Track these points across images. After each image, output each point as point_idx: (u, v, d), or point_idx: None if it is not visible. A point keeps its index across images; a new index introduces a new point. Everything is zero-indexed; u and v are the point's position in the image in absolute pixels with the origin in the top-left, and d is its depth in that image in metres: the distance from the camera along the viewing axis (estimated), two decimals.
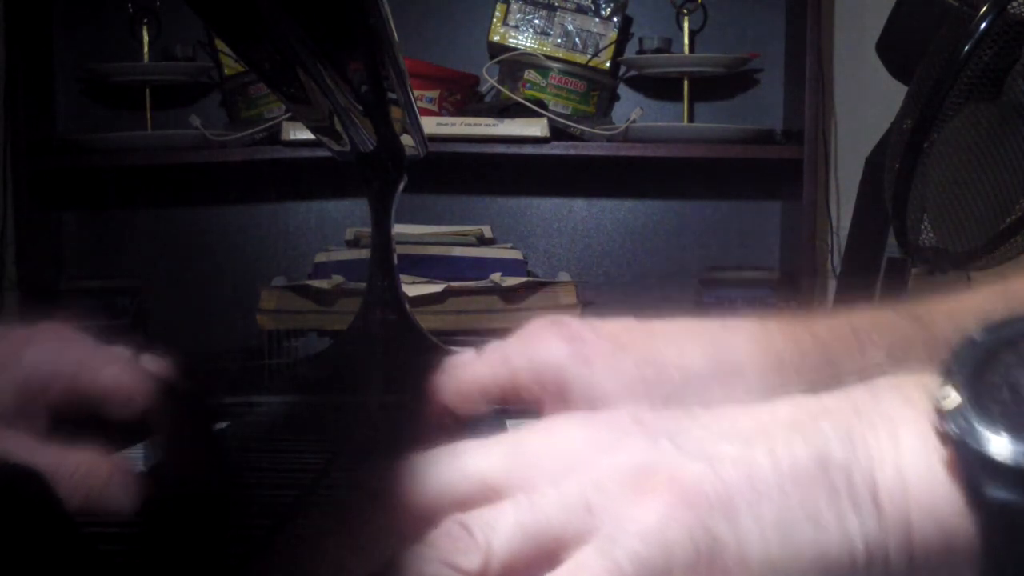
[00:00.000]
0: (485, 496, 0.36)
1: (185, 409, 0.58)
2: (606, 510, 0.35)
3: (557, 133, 2.05)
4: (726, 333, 0.56)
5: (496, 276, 1.86)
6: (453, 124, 2.02)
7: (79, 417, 0.58)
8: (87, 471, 0.55)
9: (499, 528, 0.35)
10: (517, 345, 0.56)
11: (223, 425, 0.93)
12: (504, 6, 2.17)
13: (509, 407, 0.58)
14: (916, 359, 0.56)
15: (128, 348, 0.61)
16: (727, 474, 0.35)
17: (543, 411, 0.56)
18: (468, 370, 0.57)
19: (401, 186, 1.02)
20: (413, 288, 1.78)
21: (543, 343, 0.56)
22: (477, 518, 0.35)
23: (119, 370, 0.58)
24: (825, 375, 0.55)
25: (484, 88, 2.20)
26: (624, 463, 0.35)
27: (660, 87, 2.26)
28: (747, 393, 0.54)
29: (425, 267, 1.88)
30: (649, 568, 0.34)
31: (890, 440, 0.36)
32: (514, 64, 2.15)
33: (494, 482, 0.37)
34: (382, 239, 1.01)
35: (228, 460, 0.64)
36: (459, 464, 0.38)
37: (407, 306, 1.02)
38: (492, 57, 2.16)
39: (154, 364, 0.60)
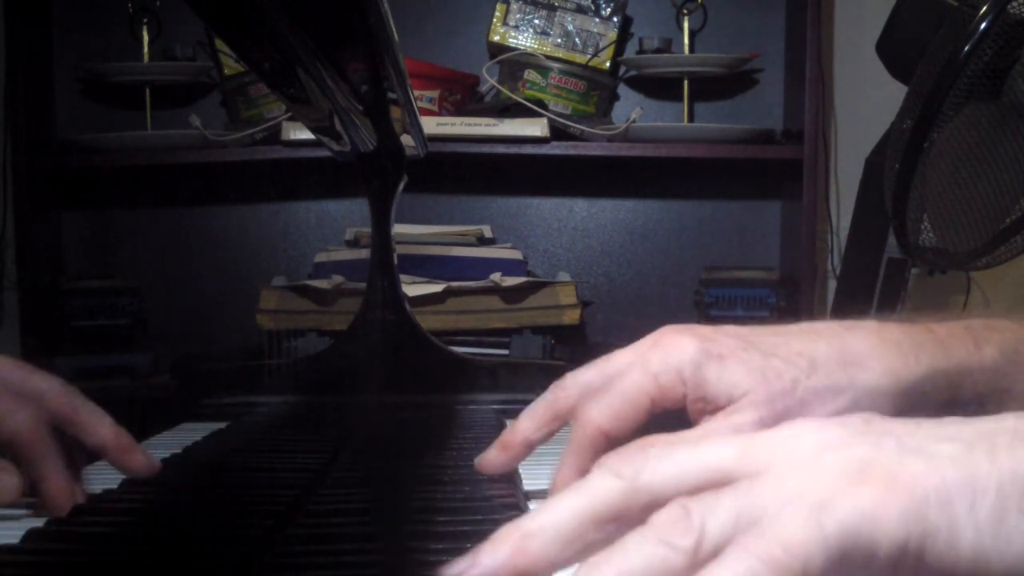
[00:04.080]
0: (718, 482, 0.39)
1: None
2: (821, 495, 0.37)
3: (557, 133, 2.05)
4: (845, 329, 0.60)
5: (496, 276, 1.86)
6: (453, 124, 2.02)
7: None
8: None
9: (717, 512, 0.38)
10: (654, 351, 0.59)
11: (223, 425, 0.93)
12: (504, 6, 2.16)
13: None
14: None
15: (23, 373, 0.63)
16: (946, 470, 0.37)
17: (685, 410, 0.59)
18: (618, 389, 0.58)
19: (401, 186, 1.02)
20: (413, 288, 1.78)
21: (678, 346, 0.58)
22: (698, 502, 0.38)
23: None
24: (942, 363, 0.58)
25: (484, 88, 2.20)
26: (846, 457, 0.38)
27: (660, 87, 2.26)
28: (870, 378, 0.57)
29: (425, 267, 1.88)
30: (854, 538, 0.36)
31: None
32: (514, 64, 2.15)
33: (728, 469, 0.40)
34: (382, 239, 1.01)
35: None
36: (698, 452, 0.41)
37: (407, 306, 1.02)
38: (492, 57, 2.16)
39: (47, 392, 0.63)
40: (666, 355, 0.58)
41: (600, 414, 0.58)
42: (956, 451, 0.38)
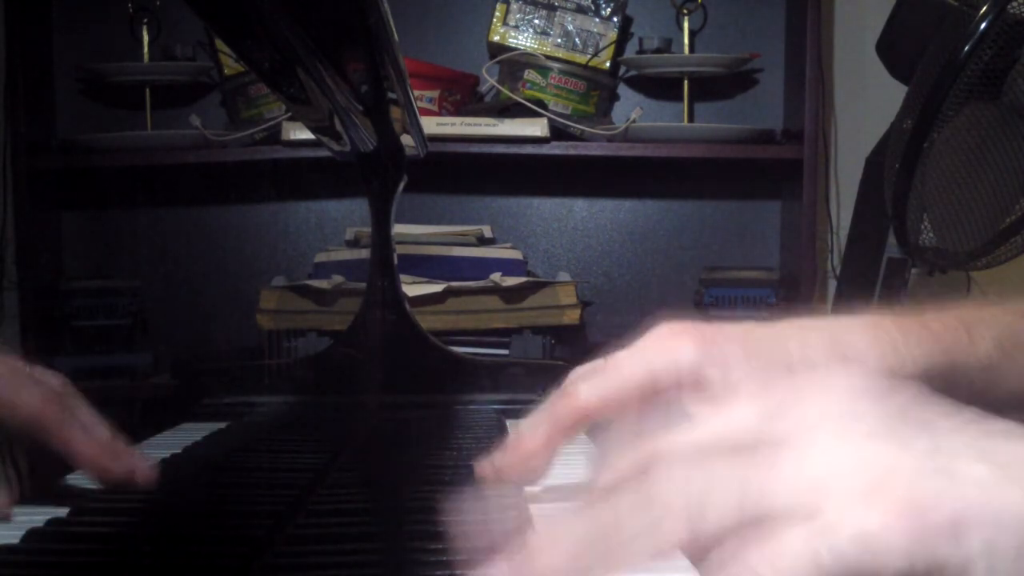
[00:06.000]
0: (738, 449, 0.37)
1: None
2: (833, 501, 0.34)
3: (557, 133, 2.05)
4: (842, 328, 0.59)
5: (496, 276, 1.86)
6: (453, 124, 2.02)
7: None
8: None
9: (716, 501, 0.35)
10: (651, 342, 0.58)
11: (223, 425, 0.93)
12: (504, 6, 2.16)
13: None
14: (1020, 347, 0.58)
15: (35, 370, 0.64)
16: (969, 497, 0.34)
17: (677, 404, 0.58)
18: (610, 372, 0.58)
19: (401, 186, 1.02)
20: (413, 288, 1.78)
21: (678, 347, 0.57)
22: (704, 470, 0.35)
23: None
24: (938, 360, 0.58)
25: (484, 88, 2.20)
26: (869, 457, 0.35)
27: (660, 87, 2.26)
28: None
29: (425, 267, 1.88)
30: (851, 570, 0.34)
31: None
32: (514, 64, 2.15)
33: (750, 435, 0.37)
34: (382, 239, 1.01)
35: None
36: (715, 423, 0.38)
37: (407, 306, 1.02)
38: (492, 57, 2.16)
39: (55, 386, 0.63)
40: (666, 353, 0.58)
41: (587, 393, 0.58)
42: (986, 475, 0.34)
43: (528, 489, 0.64)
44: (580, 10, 2.17)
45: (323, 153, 1.09)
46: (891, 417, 0.36)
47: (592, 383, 0.58)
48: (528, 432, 0.59)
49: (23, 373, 0.63)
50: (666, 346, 0.58)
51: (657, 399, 0.58)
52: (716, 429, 0.38)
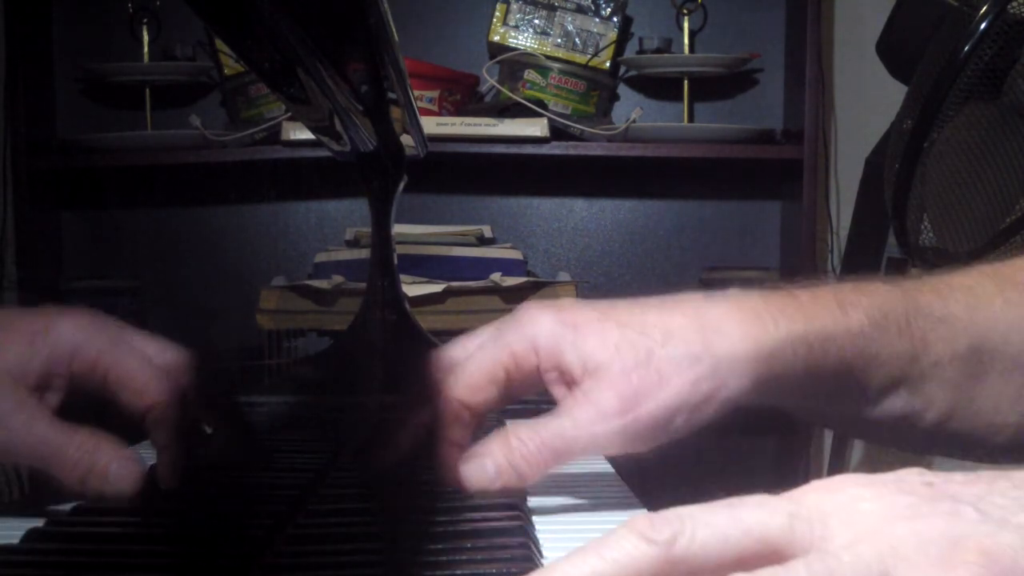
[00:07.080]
0: (764, 555, 0.34)
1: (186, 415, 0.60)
2: None
3: (557, 133, 2.05)
4: (705, 299, 0.61)
5: (496, 276, 1.86)
6: (453, 124, 2.02)
7: (93, 398, 0.60)
8: (93, 448, 0.57)
9: None
10: (509, 324, 0.60)
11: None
12: (504, 6, 2.16)
13: (513, 398, 0.61)
14: (896, 323, 0.59)
15: (155, 345, 0.63)
16: None
17: (542, 382, 0.60)
18: (473, 362, 0.60)
19: (401, 186, 1.02)
20: (413, 288, 1.78)
21: (533, 318, 0.60)
22: None
23: (137, 363, 0.60)
24: (803, 328, 0.58)
25: (484, 88, 2.20)
26: (926, 531, 0.33)
27: (660, 87, 2.26)
28: (728, 344, 0.57)
29: (425, 267, 1.88)
30: None
31: None
32: (514, 64, 2.15)
33: (776, 540, 0.34)
34: (382, 239, 1.01)
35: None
36: (741, 517, 0.34)
37: (407, 306, 1.02)
38: (492, 57, 2.16)
39: (174, 366, 0.63)
40: (520, 326, 0.59)
41: (456, 388, 0.59)
42: None
43: None
44: (580, 10, 2.17)
45: (323, 153, 1.09)
46: (924, 498, 0.35)
47: (458, 378, 0.59)
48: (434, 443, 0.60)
49: (155, 360, 0.62)
50: (521, 320, 0.60)
51: (519, 373, 0.59)
52: (742, 530, 0.35)
